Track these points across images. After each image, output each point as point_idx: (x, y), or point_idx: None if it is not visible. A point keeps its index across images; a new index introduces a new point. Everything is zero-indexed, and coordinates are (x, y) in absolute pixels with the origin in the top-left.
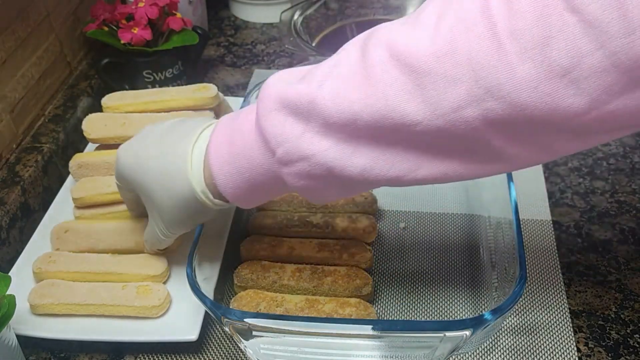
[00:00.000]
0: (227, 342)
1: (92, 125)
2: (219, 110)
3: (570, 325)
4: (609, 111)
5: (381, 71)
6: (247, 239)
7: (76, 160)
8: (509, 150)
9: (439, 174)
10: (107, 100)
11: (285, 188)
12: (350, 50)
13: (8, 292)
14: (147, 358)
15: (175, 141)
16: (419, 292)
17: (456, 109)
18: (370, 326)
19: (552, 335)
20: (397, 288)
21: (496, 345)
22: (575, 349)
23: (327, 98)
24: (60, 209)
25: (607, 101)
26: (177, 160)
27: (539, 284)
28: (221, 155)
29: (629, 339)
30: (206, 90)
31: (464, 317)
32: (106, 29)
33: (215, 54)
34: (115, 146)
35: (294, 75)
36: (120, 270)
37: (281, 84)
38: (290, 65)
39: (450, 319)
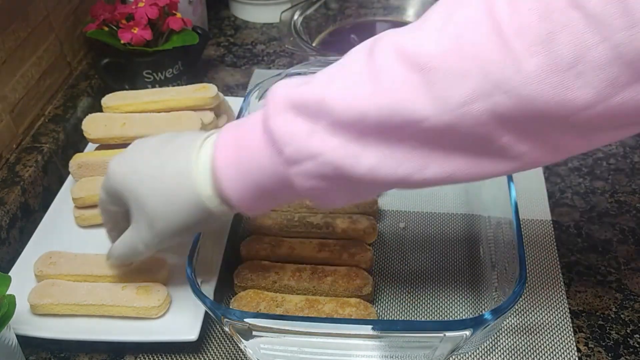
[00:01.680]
0: (227, 342)
1: (92, 125)
2: (218, 110)
3: (570, 325)
4: (615, 105)
5: (388, 69)
6: (247, 239)
7: (76, 160)
8: (516, 149)
9: (446, 173)
10: (107, 100)
11: (293, 192)
12: (357, 54)
13: (8, 292)
14: (147, 358)
15: (176, 150)
16: (419, 292)
17: (464, 104)
18: (370, 326)
19: (552, 335)
20: (397, 288)
21: (496, 345)
22: (575, 349)
23: (336, 96)
24: (60, 209)
25: (613, 94)
26: (180, 167)
27: (539, 284)
28: (228, 159)
29: (629, 339)
30: (206, 90)
31: (464, 317)
32: (106, 29)
33: (215, 54)
34: (115, 146)
35: (299, 81)
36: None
37: (288, 87)
38: (290, 65)
39: (450, 319)
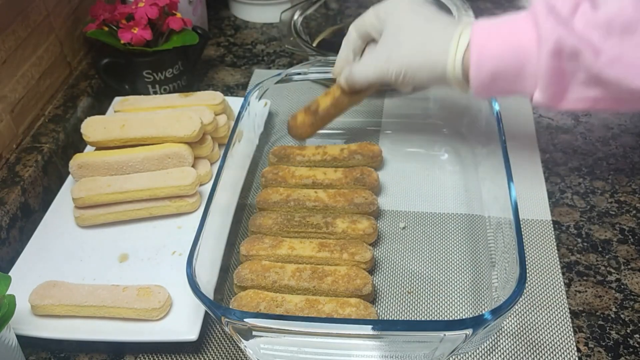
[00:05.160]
0: (227, 342)
1: (91, 128)
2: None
3: (570, 325)
4: None
5: None
6: (247, 239)
7: (76, 161)
8: None
9: None
10: (120, 105)
11: (531, 77)
12: None
13: (8, 292)
14: (147, 358)
15: (442, 29)
16: (419, 292)
17: None
18: (370, 326)
19: (552, 335)
20: (397, 288)
21: (496, 345)
22: (575, 349)
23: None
24: (60, 209)
25: None
26: (443, 35)
27: (539, 284)
28: (484, 30)
29: (629, 339)
30: (212, 99)
31: (464, 317)
32: (106, 29)
33: (215, 54)
34: (115, 147)
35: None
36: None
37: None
38: (290, 65)
39: (450, 319)
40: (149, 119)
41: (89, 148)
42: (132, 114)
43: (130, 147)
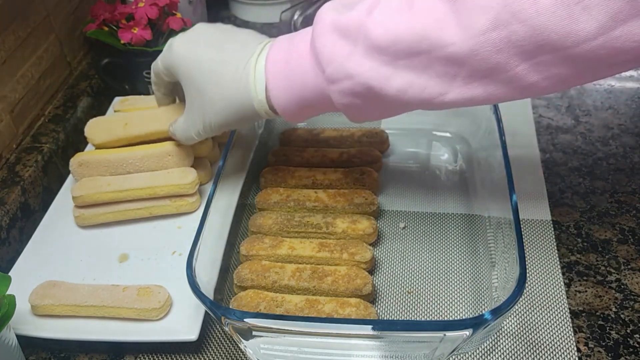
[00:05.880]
0: (227, 342)
1: (95, 131)
2: None
3: (570, 325)
4: (614, 37)
5: (422, 1)
6: (247, 239)
7: (77, 159)
8: (527, 78)
9: (464, 99)
10: (119, 105)
11: (331, 106)
12: None
13: (8, 292)
14: (147, 358)
15: (237, 50)
16: (419, 292)
17: (485, 32)
18: (370, 326)
19: (552, 335)
20: (397, 288)
21: (496, 345)
22: (575, 349)
23: (376, 21)
24: (60, 209)
25: (613, 27)
26: (239, 71)
27: (539, 284)
28: (277, 71)
29: (629, 339)
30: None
31: (464, 317)
32: (106, 29)
33: None
34: (121, 146)
35: (343, 5)
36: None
37: (335, 11)
38: None
39: (450, 319)
40: (151, 115)
41: (89, 148)
42: (133, 113)
43: (132, 146)
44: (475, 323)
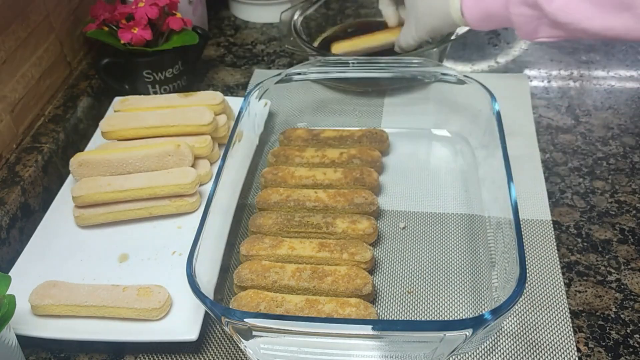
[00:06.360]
0: (227, 342)
1: (111, 123)
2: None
3: (570, 325)
4: None
5: None
6: (247, 239)
7: (77, 159)
8: None
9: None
10: (119, 105)
11: (508, 19)
12: None
13: (8, 292)
14: (147, 358)
15: None
16: (419, 292)
17: None
18: (370, 326)
19: (552, 335)
20: (397, 288)
21: (496, 345)
22: (575, 349)
23: None
24: (60, 209)
25: None
26: None
27: (539, 284)
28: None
29: (629, 339)
30: (212, 99)
31: (464, 317)
32: (106, 29)
33: (215, 54)
34: (134, 138)
35: None
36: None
37: None
38: (290, 65)
39: (450, 319)
40: (164, 113)
41: (89, 147)
42: (147, 112)
43: (132, 146)
44: (475, 323)
